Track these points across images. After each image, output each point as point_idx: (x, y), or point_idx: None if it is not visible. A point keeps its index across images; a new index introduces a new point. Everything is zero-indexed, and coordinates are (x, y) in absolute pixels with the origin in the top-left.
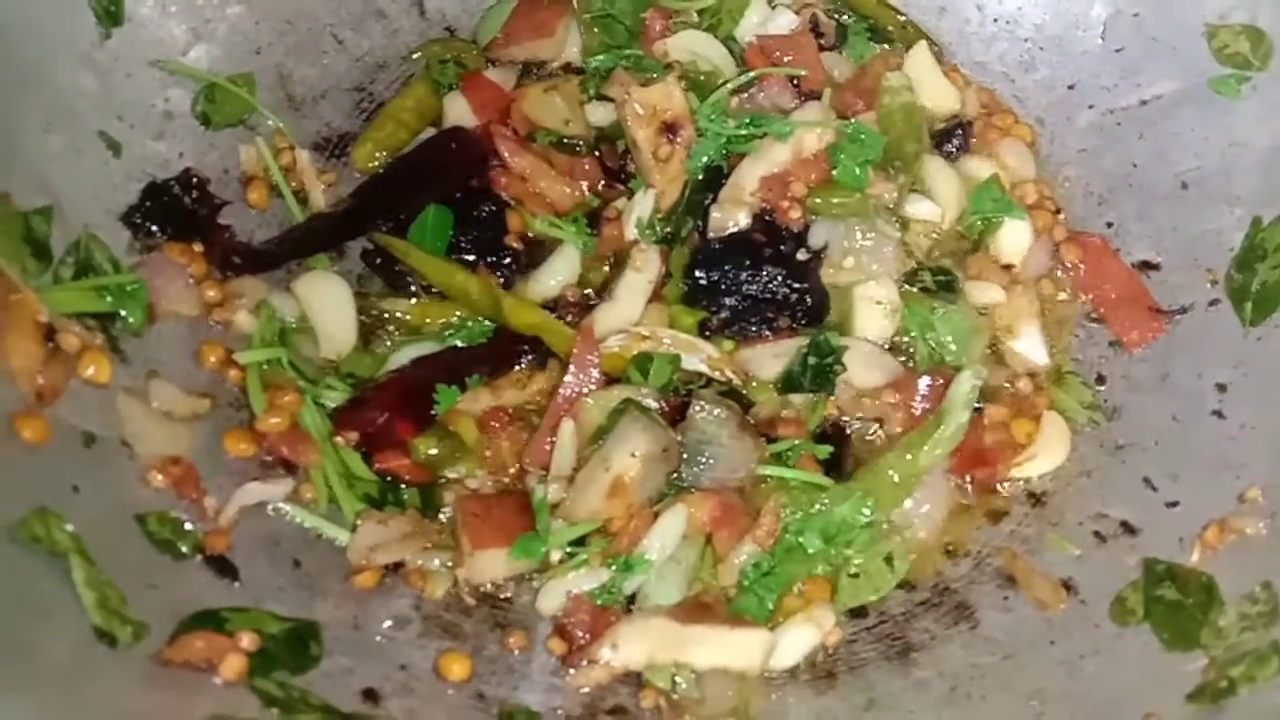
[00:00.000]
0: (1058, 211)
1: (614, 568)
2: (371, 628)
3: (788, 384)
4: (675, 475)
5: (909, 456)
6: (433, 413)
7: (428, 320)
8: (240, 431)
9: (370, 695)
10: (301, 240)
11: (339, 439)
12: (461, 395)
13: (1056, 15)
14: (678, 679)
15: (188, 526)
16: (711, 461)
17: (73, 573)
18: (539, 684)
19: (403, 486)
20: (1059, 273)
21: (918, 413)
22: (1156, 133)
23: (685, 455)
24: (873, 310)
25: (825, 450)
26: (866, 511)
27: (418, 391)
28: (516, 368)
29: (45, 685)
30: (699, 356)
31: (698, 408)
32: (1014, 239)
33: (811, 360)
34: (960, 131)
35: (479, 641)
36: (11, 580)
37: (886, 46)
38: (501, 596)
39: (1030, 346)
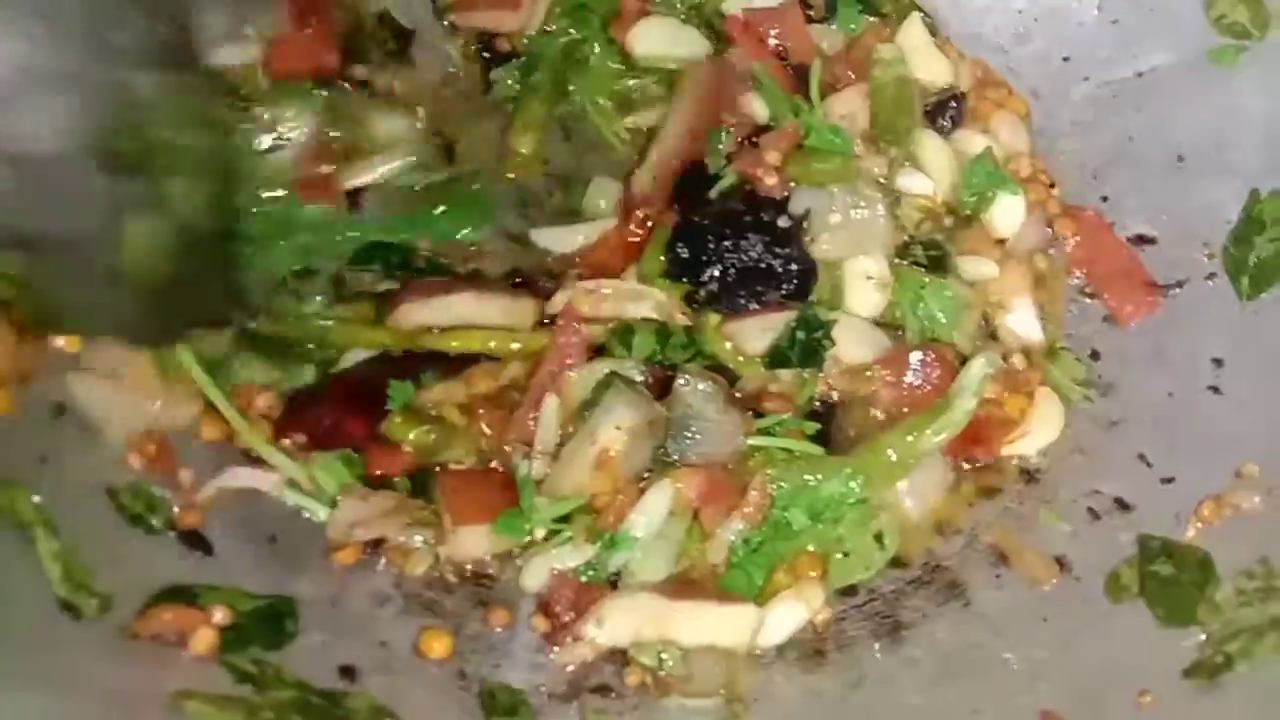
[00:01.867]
0: (1052, 185)
1: (599, 545)
2: (350, 605)
3: (776, 359)
4: (661, 450)
5: (910, 438)
6: (387, 408)
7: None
8: (214, 417)
9: (348, 672)
10: None
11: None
12: (416, 391)
13: None
14: (664, 656)
15: (160, 499)
16: (698, 436)
17: (37, 545)
18: (522, 662)
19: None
20: (1051, 248)
21: (907, 390)
22: (1153, 105)
23: (671, 430)
24: (863, 285)
25: (812, 426)
26: (855, 487)
27: (366, 389)
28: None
29: (7, 655)
30: (647, 304)
31: (683, 381)
32: (1007, 213)
33: (800, 335)
34: (954, 105)
35: (461, 619)
36: None
37: (877, 18)
38: (484, 574)
39: (1023, 321)
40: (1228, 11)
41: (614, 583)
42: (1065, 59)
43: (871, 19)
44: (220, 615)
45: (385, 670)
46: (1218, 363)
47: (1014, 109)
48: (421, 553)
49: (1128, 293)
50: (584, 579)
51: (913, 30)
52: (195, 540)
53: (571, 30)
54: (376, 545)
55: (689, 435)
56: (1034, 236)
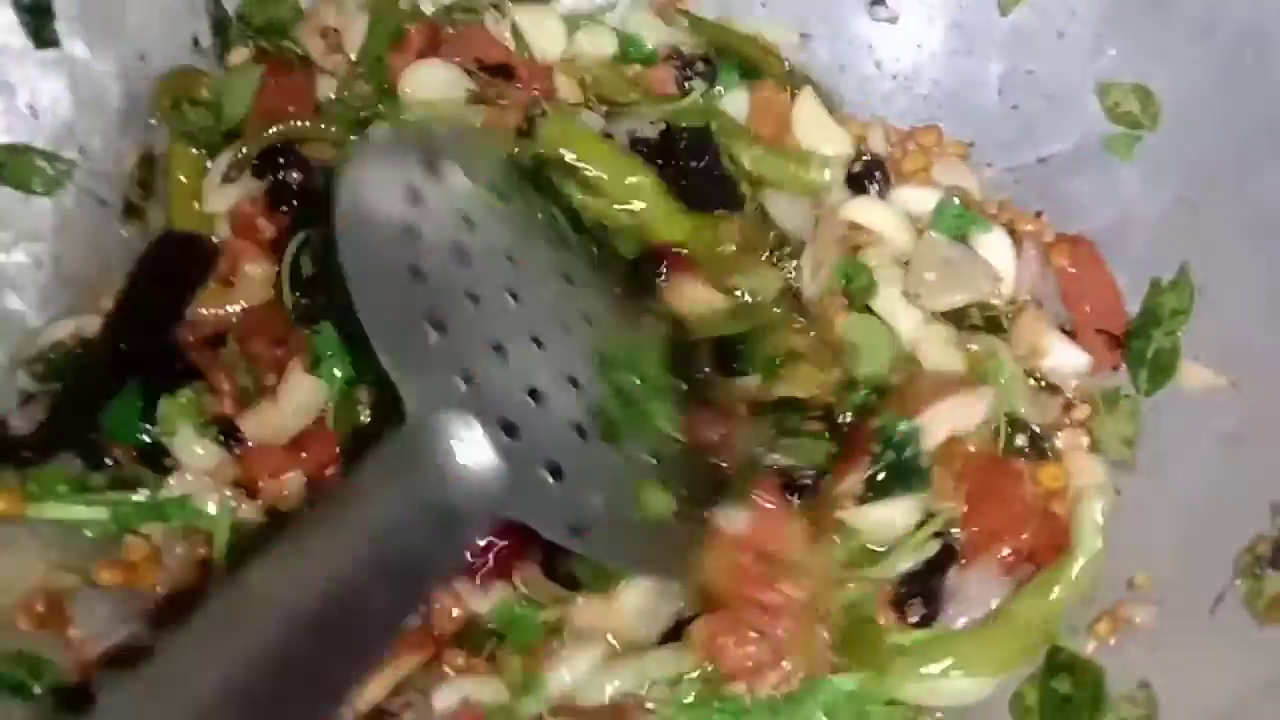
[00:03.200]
0: (1039, 214)
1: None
2: None
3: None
4: None
5: (1052, 596)
6: None
7: None
8: (111, 565)
9: None
10: (66, 419)
11: None
12: None
13: (954, 72)
14: None
15: (45, 662)
16: None
17: None
18: None
19: None
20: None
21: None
22: (1054, 191)
23: None
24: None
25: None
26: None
27: None
28: None
29: None
30: None
31: None
32: (995, 252)
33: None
34: (878, 170)
35: None
36: None
37: (758, 80)
38: (387, 710)
39: (1064, 353)
40: (1121, 100)
41: None
42: (969, 144)
43: (754, 81)
44: None
45: None
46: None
47: (952, 152)
48: None
49: (1096, 340)
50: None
51: (806, 104)
52: (77, 698)
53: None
54: None
55: None
56: (1032, 270)
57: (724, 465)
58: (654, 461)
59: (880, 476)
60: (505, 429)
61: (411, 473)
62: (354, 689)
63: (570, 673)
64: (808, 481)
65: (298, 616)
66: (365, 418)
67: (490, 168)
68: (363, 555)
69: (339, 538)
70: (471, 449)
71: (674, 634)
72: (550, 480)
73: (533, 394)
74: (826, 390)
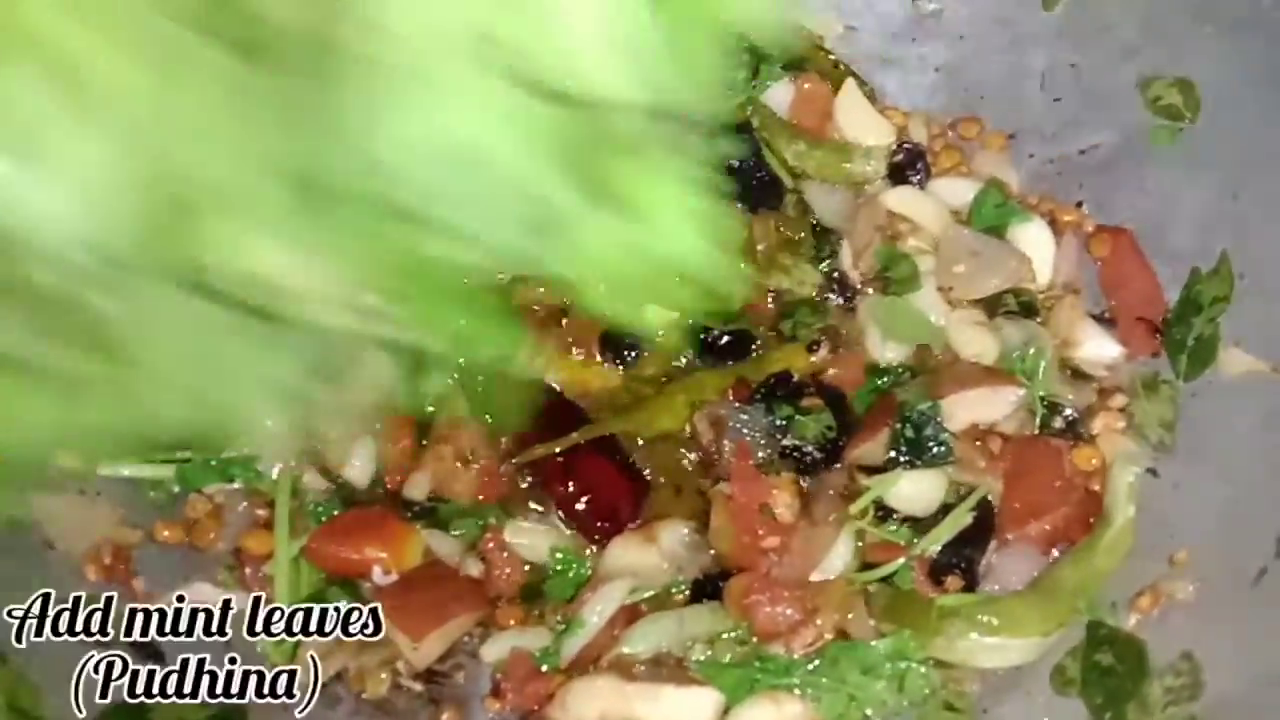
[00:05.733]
0: (1079, 204)
1: (557, 630)
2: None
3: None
4: None
5: (1095, 562)
6: None
7: None
8: (171, 524)
9: None
10: None
11: None
12: None
13: (997, 65)
14: None
15: (113, 610)
16: None
17: None
18: None
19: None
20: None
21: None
22: (1095, 183)
23: None
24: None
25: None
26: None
27: None
28: None
29: None
30: None
31: None
32: (1033, 245)
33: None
34: (919, 160)
35: (413, 718)
36: None
37: (800, 72)
38: (436, 670)
39: (1098, 345)
40: (1163, 94)
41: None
42: (1011, 136)
43: (796, 73)
44: None
45: None
46: (1157, 445)
47: (992, 145)
48: (378, 673)
49: (1135, 327)
50: (542, 667)
51: (849, 96)
52: (147, 651)
53: None
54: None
55: None
56: (1071, 261)
57: None
58: None
59: (899, 449)
60: None
61: None
62: None
63: (604, 606)
64: (816, 455)
65: None
66: (430, 408)
67: None
68: None
69: None
70: None
71: (712, 597)
72: None
73: None
74: (813, 369)
